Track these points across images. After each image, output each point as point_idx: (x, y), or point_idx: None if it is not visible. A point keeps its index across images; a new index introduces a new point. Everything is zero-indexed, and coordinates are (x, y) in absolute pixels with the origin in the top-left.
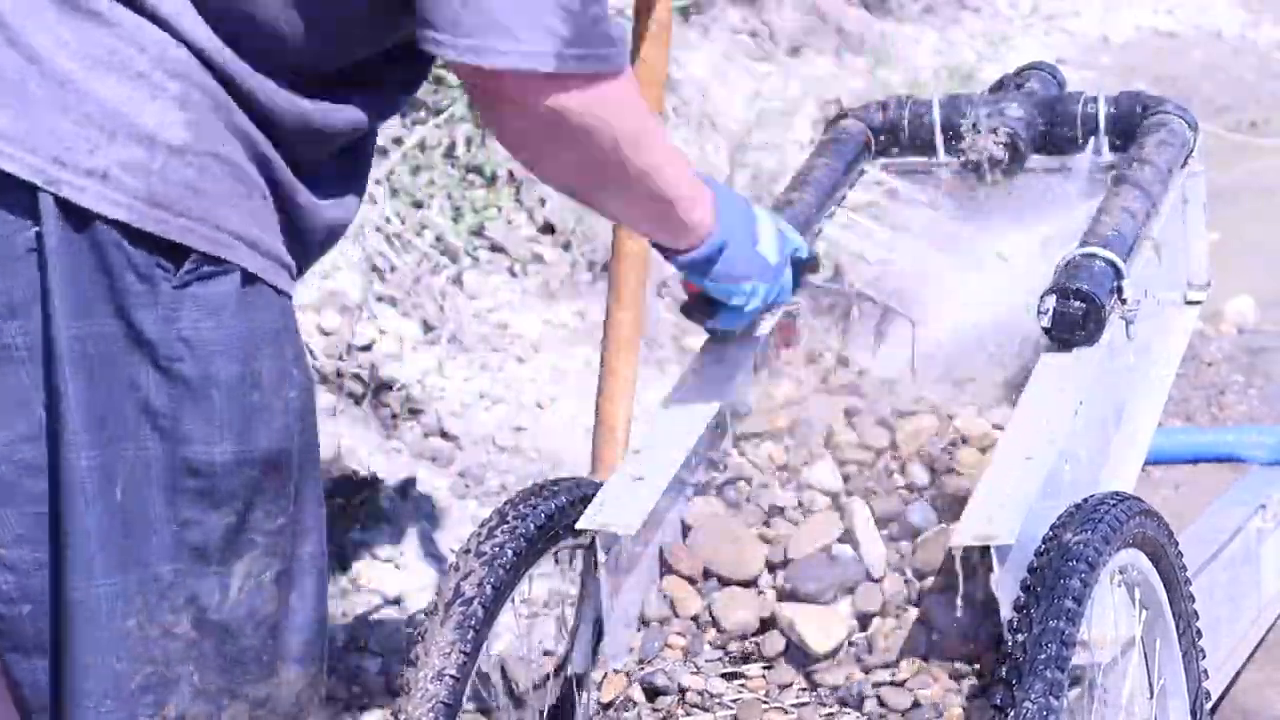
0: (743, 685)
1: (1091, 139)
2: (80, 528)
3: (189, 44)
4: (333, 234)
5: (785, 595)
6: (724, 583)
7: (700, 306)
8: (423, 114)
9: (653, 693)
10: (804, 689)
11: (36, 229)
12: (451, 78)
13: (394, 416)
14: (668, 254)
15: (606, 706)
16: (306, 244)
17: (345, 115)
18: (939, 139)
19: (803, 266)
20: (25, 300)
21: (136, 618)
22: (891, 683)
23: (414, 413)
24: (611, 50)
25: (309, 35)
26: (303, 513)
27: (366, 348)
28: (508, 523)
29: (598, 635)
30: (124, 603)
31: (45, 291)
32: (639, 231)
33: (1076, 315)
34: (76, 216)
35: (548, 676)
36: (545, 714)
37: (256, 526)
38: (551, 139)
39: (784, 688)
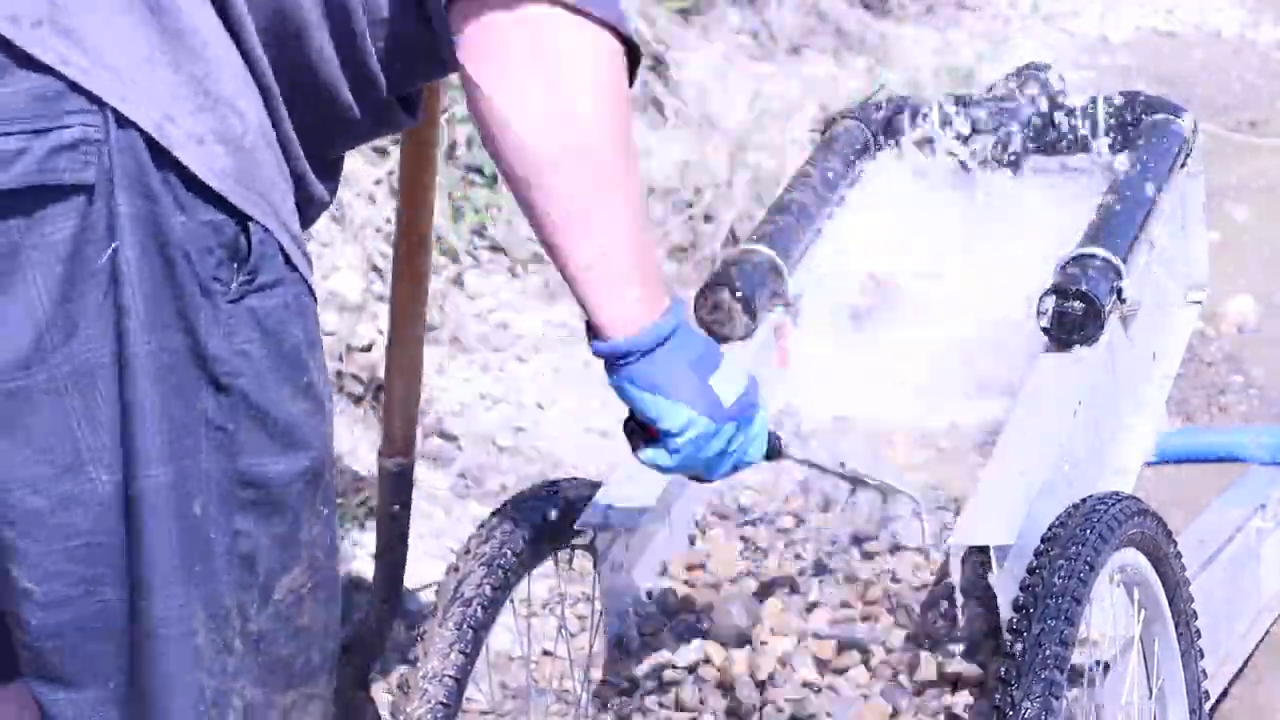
0: None
1: (1091, 139)
2: (155, 545)
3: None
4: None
5: None
6: None
7: (638, 429)
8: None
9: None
10: None
11: (115, 244)
12: (452, 78)
13: None
14: (592, 329)
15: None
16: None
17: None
18: (938, 140)
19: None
20: (90, 319)
21: (204, 633)
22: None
23: None
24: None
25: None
26: (332, 521)
27: (367, 348)
28: (507, 523)
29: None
30: (193, 619)
31: (119, 309)
32: (572, 263)
33: (1076, 315)
34: (148, 224)
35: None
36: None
37: (302, 538)
38: (535, 58)
39: None
